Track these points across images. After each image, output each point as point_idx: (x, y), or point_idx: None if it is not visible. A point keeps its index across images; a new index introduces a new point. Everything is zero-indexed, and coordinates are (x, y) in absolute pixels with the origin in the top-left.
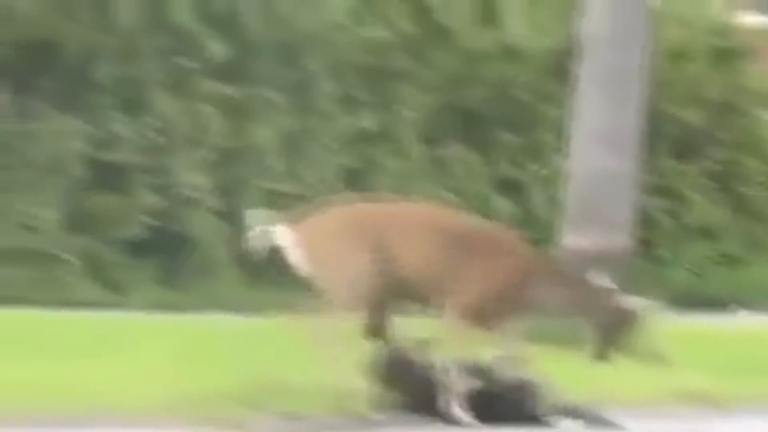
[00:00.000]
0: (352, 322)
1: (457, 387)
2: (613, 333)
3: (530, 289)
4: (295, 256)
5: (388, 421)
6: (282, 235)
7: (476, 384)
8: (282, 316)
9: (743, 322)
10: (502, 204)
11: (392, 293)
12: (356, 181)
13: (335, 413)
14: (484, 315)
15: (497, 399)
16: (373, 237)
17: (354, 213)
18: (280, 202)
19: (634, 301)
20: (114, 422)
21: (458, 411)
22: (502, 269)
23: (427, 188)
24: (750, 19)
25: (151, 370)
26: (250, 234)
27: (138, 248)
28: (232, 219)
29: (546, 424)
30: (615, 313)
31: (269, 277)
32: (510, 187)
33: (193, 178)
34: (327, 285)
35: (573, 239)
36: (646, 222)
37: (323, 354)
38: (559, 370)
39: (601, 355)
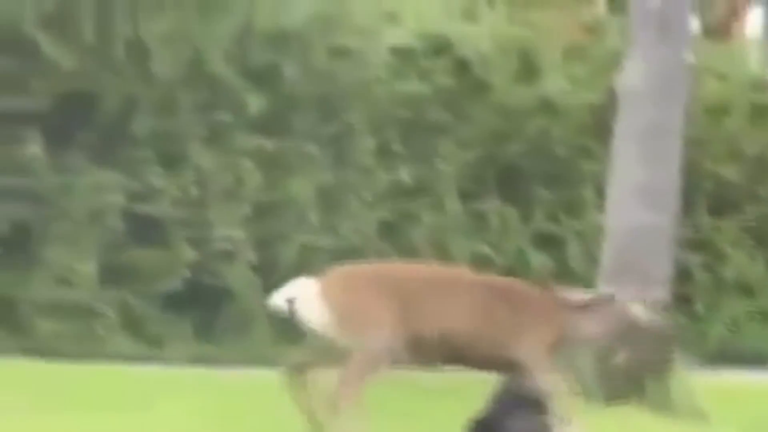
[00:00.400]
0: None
1: None
2: (650, 353)
3: (568, 328)
4: (316, 308)
5: None
6: (304, 286)
7: None
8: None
9: None
10: (539, 259)
11: (422, 353)
12: (393, 235)
13: None
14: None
15: None
16: (401, 292)
17: (381, 267)
18: (316, 257)
19: (665, 324)
20: None
21: None
22: (543, 315)
23: (463, 243)
24: None
25: (186, 425)
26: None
27: (174, 302)
28: (268, 273)
29: None
30: (649, 334)
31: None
32: (547, 242)
33: (229, 231)
34: (350, 338)
35: (610, 293)
36: (682, 277)
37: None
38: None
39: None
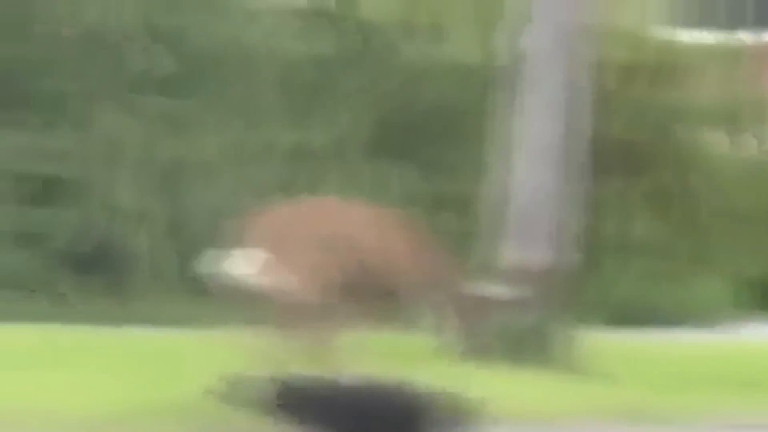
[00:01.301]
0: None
1: None
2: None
3: None
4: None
5: None
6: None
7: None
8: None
9: (681, 338)
10: (442, 218)
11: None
12: (298, 195)
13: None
14: None
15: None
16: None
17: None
18: (224, 217)
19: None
20: None
21: None
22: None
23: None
24: (692, 34)
25: (94, 383)
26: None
27: (85, 263)
28: (177, 233)
29: None
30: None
31: (211, 292)
32: (450, 203)
33: (137, 192)
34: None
35: (513, 254)
36: (586, 238)
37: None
38: (493, 385)
39: (469, 352)
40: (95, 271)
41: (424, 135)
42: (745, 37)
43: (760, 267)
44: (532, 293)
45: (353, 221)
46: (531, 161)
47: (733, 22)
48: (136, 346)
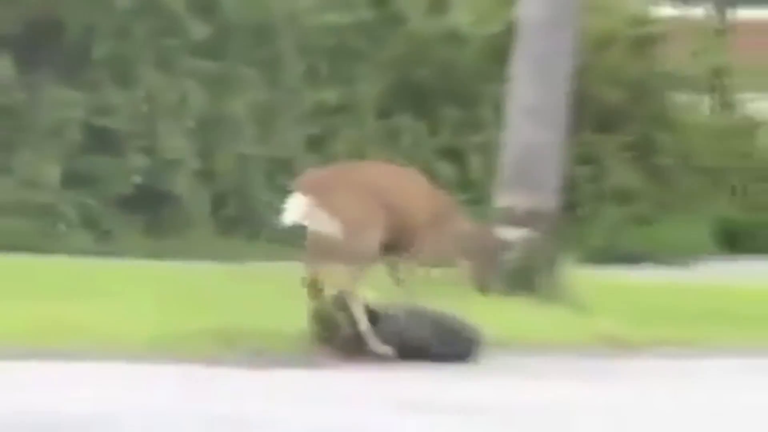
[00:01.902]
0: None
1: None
2: (487, 263)
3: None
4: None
5: (328, 360)
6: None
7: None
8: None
9: (653, 275)
10: (445, 169)
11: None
12: (318, 147)
13: (290, 351)
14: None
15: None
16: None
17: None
18: (251, 166)
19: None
20: (105, 356)
21: (377, 346)
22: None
23: (379, 155)
24: (664, 10)
25: (137, 312)
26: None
27: (127, 203)
28: (209, 178)
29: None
30: (488, 245)
31: (240, 230)
32: (452, 155)
33: (175, 142)
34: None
35: (506, 200)
36: (569, 186)
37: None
38: (484, 313)
39: (482, 287)
40: (138, 211)
41: (430, 95)
42: (716, 13)
43: (723, 213)
44: (527, 234)
45: (387, 175)
46: (522, 118)
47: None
48: (174, 279)
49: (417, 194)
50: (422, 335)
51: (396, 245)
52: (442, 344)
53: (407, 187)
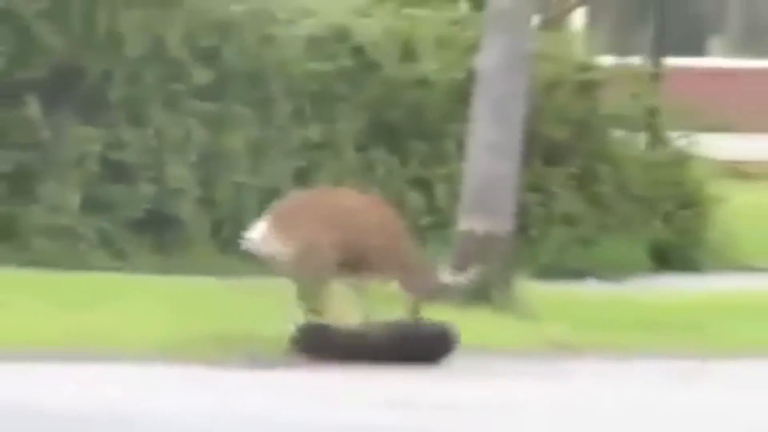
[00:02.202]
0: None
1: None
2: (421, 299)
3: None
4: (269, 239)
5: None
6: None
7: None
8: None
9: (594, 289)
10: (414, 197)
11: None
12: (304, 178)
13: (281, 354)
14: None
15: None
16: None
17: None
18: (245, 194)
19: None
20: (118, 358)
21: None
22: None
23: (356, 185)
24: (605, 58)
25: (148, 320)
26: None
27: (138, 226)
28: (209, 204)
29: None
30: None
31: (236, 249)
32: (420, 185)
33: (180, 173)
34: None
35: (467, 224)
36: (522, 211)
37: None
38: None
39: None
40: (147, 233)
41: (401, 132)
42: (650, 61)
43: (656, 235)
44: (465, 279)
45: (351, 204)
46: (482, 152)
47: (641, 51)
48: (179, 291)
49: (373, 218)
50: (394, 341)
51: (354, 264)
52: (418, 347)
53: (365, 210)
